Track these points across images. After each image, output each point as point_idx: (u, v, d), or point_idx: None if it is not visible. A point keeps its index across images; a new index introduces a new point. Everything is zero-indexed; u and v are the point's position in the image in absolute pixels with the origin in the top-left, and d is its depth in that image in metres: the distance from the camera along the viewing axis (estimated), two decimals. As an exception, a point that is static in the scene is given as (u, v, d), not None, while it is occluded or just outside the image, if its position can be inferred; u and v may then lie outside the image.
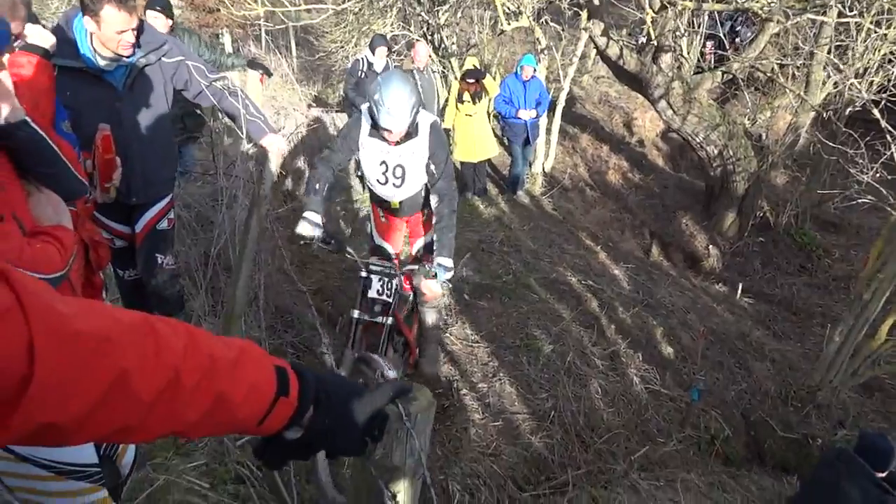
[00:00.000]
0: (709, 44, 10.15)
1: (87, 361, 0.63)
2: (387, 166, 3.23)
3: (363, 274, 3.22)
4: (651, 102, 7.84)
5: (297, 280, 4.19)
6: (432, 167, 3.22)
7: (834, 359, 5.60)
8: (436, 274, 3.16)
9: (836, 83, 7.41)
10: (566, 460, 4.06)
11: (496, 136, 7.81)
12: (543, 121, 7.78)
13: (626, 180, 9.80)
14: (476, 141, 6.73)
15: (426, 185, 3.38)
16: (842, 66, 6.99)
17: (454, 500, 3.39)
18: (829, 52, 7.12)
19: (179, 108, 4.10)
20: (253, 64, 4.78)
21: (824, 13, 6.36)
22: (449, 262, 3.22)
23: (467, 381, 4.35)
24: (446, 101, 6.90)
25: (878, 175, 5.59)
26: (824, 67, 7.45)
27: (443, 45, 8.73)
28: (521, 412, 4.25)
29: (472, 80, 6.49)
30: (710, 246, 8.17)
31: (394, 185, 3.30)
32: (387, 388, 0.96)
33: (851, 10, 6.39)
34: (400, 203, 3.46)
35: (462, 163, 6.98)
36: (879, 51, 6.84)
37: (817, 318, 6.94)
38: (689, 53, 8.29)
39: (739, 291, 7.13)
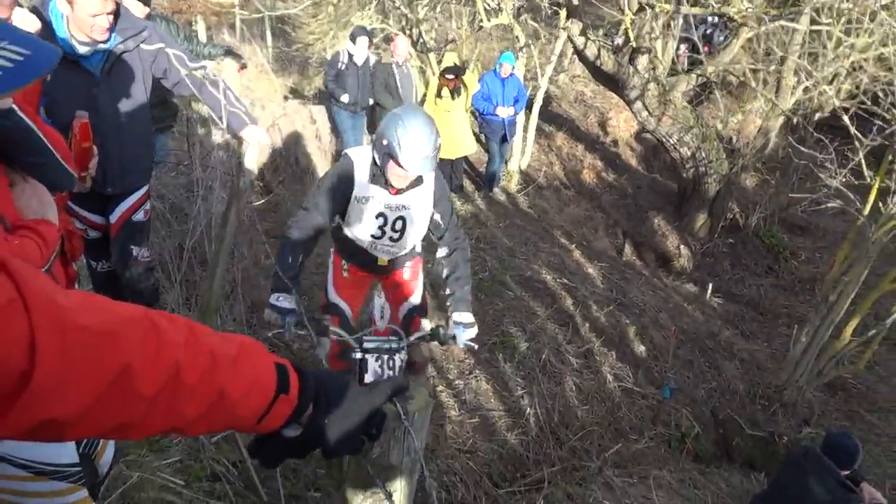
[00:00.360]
0: (683, 47, 10.33)
1: (89, 356, 0.62)
2: (385, 219, 2.69)
3: (356, 355, 2.62)
4: (627, 103, 7.94)
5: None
6: (437, 217, 2.77)
7: (800, 359, 5.77)
8: (454, 336, 2.67)
9: (806, 89, 7.60)
10: (541, 457, 4.10)
11: (474, 133, 7.82)
12: (520, 119, 7.82)
13: (601, 179, 9.91)
14: (454, 137, 6.72)
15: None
16: (813, 73, 7.17)
17: (430, 496, 3.39)
18: (800, 59, 7.29)
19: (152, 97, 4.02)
20: (230, 54, 4.70)
21: (796, 20, 6.51)
22: (470, 317, 2.76)
23: (443, 378, 4.36)
24: (424, 96, 6.88)
25: (845, 180, 5.75)
26: (795, 73, 7.64)
27: (421, 40, 8.71)
28: (497, 409, 4.27)
29: (451, 76, 6.48)
30: (682, 246, 8.31)
31: (390, 239, 2.78)
32: (385, 387, 0.96)
33: (823, 19, 6.55)
34: (389, 261, 2.95)
35: (440, 159, 6.96)
36: (849, 58, 7.03)
37: (783, 318, 7.14)
38: (663, 56, 8.41)
39: (709, 291, 7.28)
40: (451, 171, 7.07)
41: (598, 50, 7.11)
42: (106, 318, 0.65)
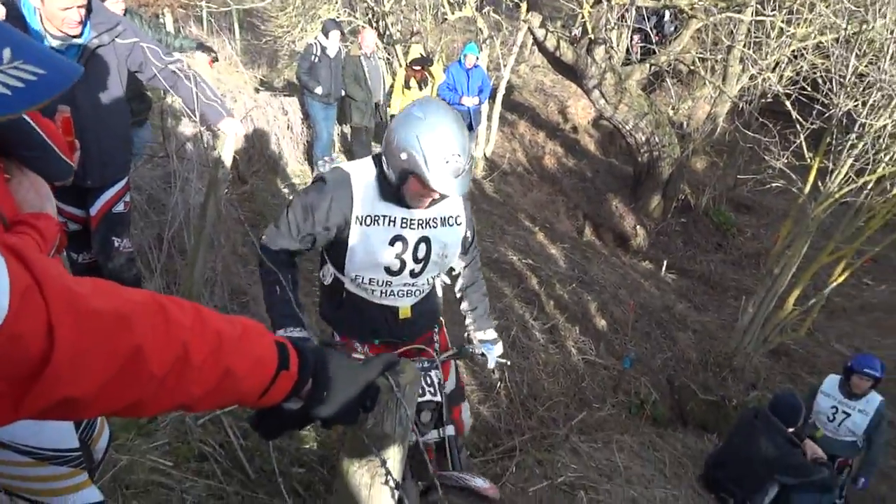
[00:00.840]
0: (636, 37, 10.67)
1: (103, 338, 0.65)
2: (404, 244, 1.97)
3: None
4: (585, 92, 8.23)
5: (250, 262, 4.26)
6: (468, 234, 2.17)
7: (747, 328, 6.18)
8: (483, 354, 2.31)
9: (751, 76, 7.99)
10: (512, 427, 4.33)
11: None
12: (484, 108, 8.02)
13: (561, 165, 10.21)
14: (421, 126, 6.87)
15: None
16: (757, 60, 7.55)
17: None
18: (745, 47, 7.67)
19: (128, 90, 4.06)
20: (202, 47, 4.76)
21: (742, 12, 6.87)
22: (494, 333, 2.38)
23: (419, 357, 4.54)
24: (392, 87, 7.02)
25: (787, 161, 6.12)
26: (741, 61, 8.02)
27: (388, 33, 8.81)
28: (470, 384, 4.48)
29: (417, 67, 6.64)
30: (638, 226, 8.69)
31: (411, 273, 2.03)
32: (377, 362, 1.06)
33: (766, 10, 6.92)
34: (412, 309, 2.15)
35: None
36: (790, 47, 7.43)
37: (732, 291, 7.58)
38: (618, 46, 8.73)
39: (664, 268, 7.67)
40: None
41: (558, 41, 7.37)
42: (117, 303, 0.68)
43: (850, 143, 5.50)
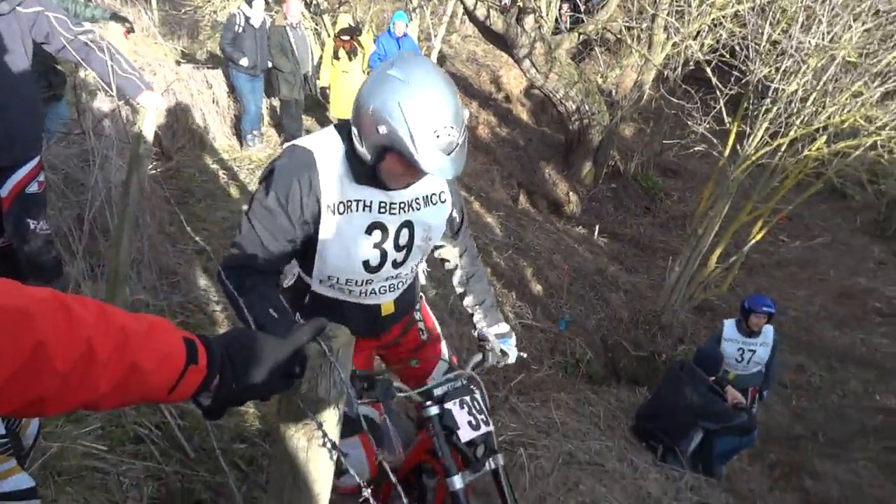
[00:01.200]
0: (565, 6, 10.76)
1: (4, 334, 0.64)
2: (384, 231, 1.68)
3: (432, 411, 1.79)
4: (516, 61, 8.29)
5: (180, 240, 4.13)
6: (455, 214, 1.87)
7: (674, 286, 6.49)
8: (503, 352, 2.05)
9: (674, 44, 8.24)
10: (453, 392, 4.43)
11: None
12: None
13: (495, 134, 10.29)
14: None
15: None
16: (679, 29, 7.78)
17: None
18: (668, 16, 7.88)
19: (39, 64, 3.82)
20: (116, 17, 4.50)
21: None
22: (506, 326, 2.13)
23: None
24: (321, 58, 6.86)
25: (709, 126, 6.39)
26: (664, 29, 8.24)
27: (314, 2, 8.56)
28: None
29: (346, 38, 6.50)
30: (570, 193, 8.91)
31: (393, 263, 1.76)
32: (305, 329, 1.08)
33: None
34: (395, 303, 1.90)
35: (340, 120, 7.01)
36: (710, 15, 7.68)
37: (660, 252, 7.93)
38: (547, 15, 8.80)
39: (596, 232, 7.93)
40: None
41: (488, 10, 7.37)
42: (18, 299, 0.67)
43: (764, 107, 5.78)
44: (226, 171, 5.84)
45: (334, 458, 1.19)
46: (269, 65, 6.27)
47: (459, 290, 2.10)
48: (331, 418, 1.18)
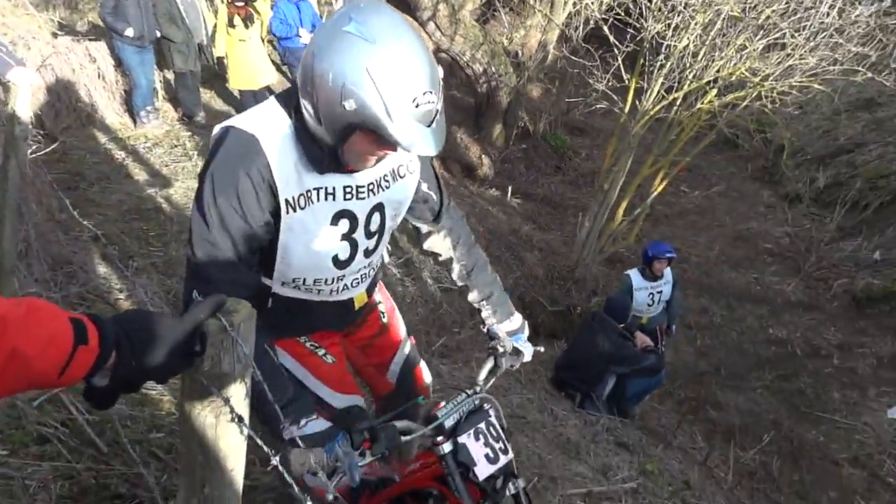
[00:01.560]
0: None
1: None
2: (353, 220, 1.45)
3: (445, 449, 1.55)
4: (420, 24, 8.18)
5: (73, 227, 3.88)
6: (425, 187, 1.62)
7: (585, 241, 6.75)
8: (518, 351, 1.84)
9: (574, 2, 8.38)
10: (377, 360, 4.46)
11: (274, 62, 7.57)
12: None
13: (404, 100, 10.20)
14: (255, 68, 6.50)
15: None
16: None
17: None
18: (566, -25, 8.00)
19: None
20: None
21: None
22: (519, 316, 1.92)
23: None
24: (215, 27, 6.50)
25: (610, 84, 6.59)
26: (564, -11, 8.37)
27: (200, -36, 8.07)
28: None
29: (240, 3, 6.18)
30: (483, 156, 9.01)
31: (365, 252, 1.54)
32: (204, 306, 1.05)
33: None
34: (367, 291, 1.72)
35: (241, 91, 6.74)
36: (605, -26, 7.86)
37: (571, 209, 8.20)
38: (448, -25, 8.72)
39: (509, 193, 8.09)
40: (255, 103, 6.84)
41: (386, -30, 7.19)
42: None
43: (659, 63, 6.02)
44: (120, 150, 5.50)
45: (245, 433, 1.18)
46: (158, 35, 5.88)
47: (459, 283, 1.82)
48: (237, 393, 1.16)
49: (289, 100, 1.32)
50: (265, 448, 1.02)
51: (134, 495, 2.46)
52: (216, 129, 1.34)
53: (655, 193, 6.84)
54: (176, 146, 5.87)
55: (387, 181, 1.47)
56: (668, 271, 5.13)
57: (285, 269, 1.45)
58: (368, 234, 1.50)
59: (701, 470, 4.28)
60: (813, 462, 4.92)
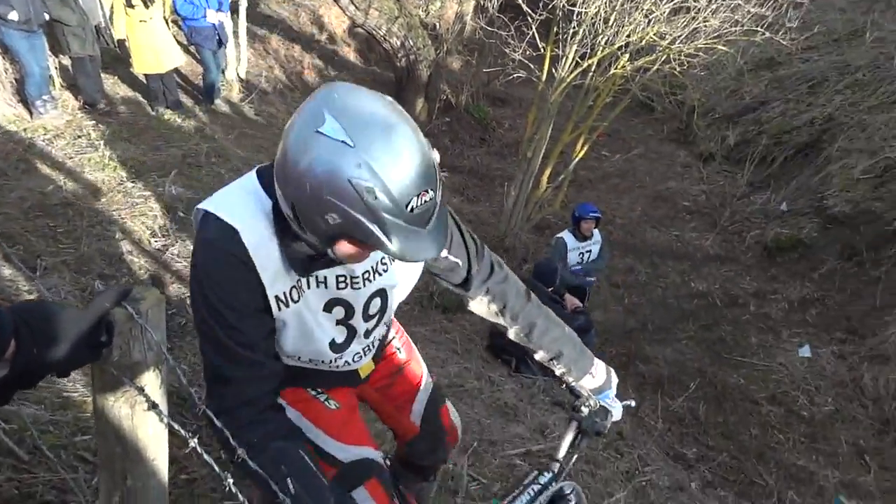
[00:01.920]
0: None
1: None
2: (348, 308, 1.35)
3: None
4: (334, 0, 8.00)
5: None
6: (450, 256, 1.39)
7: (512, 210, 6.85)
8: (607, 411, 1.59)
9: (487, -28, 8.37)
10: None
11: (180, 43, 7.22)
12: (229, 24, 7.41)
13: (323, 77, 9.97)
14: (158, 50, 6.17)
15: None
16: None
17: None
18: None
19: None
20: None
21: None
22: (603, 368, 1.61)
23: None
24: (112, 8, 6.11)
25: (527, 53, 6.66)
26: (476, -42, 8.34)
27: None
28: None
29: (137, -19, 5.84)
30: (408, 132, 8.96)
31: (365, 333, 1.44)
32: (107, 295, 1.04)
33: None
34: (374, 360, 1.61)
35: (147, 76, 6.40)
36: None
37: (498, 179, 8.29)
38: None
39: (436, 168, 8.09)
40: (162, 87, 6.55)
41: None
42: None
43: (572, 30, 6.13)
44: (16, 145, 5.13)
45: (164, 421, 1.16)
46: (47, 17, 5.47)
47: (518, 340, 1.57)
48: (151, 381, 1.14)
49: (272, 181, 1.10)
50: (182, 432, 0.99)
51: (63, 501, 2.38)
52: (195, 209, 1.19)
53: (577, 159, 7.01)
54: (80, 137, 5.52)
55: (384, 265, 1.33)
56: (596, 232, 5.32)
57: (281, 348, 1.34)
58: (367, 318, 1.38)
59: (633, 420, 4.49)
60: (735, 403, 5.25)
